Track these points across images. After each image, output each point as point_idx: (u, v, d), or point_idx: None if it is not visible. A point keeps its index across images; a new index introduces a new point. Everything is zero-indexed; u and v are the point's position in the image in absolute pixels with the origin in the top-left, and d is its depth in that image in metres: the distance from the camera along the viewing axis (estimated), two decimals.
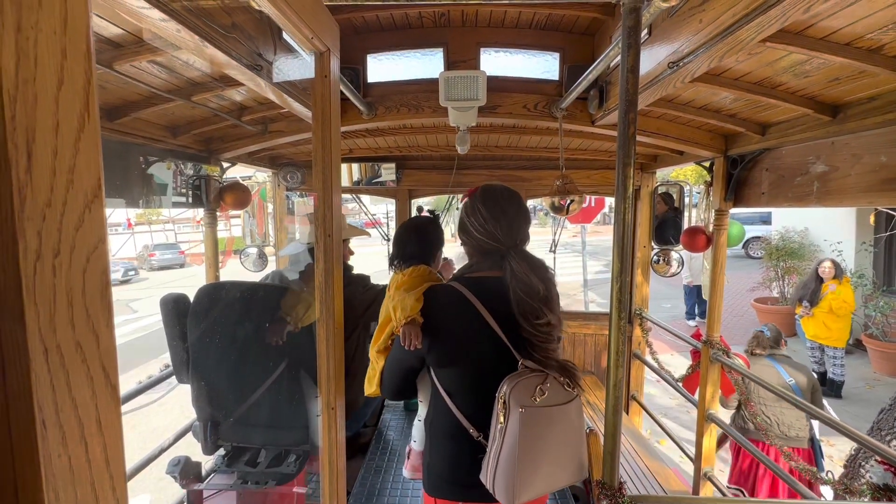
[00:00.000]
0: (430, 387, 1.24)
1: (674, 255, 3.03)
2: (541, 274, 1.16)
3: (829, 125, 1.57)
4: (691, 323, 8.21)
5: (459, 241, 1.30)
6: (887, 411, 2.63)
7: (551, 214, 2.59)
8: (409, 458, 1.51)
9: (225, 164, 2.41)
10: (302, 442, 1.82)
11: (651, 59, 1.43)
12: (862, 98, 1.44)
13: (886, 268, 6.50)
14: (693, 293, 8.12)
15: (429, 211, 3.39)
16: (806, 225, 7.83)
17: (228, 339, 1.66)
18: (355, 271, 2.10)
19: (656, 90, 1.51)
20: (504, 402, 1.06)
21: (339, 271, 0.96)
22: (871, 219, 6.09)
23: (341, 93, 1.88)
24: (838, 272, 5.54)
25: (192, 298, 1.70)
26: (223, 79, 1.56)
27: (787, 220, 8.28)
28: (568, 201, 2.14)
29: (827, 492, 2.49)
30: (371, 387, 1.37)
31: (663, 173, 3.54)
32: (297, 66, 1.63)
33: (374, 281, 2.14)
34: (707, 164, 2.36)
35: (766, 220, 12.95)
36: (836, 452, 4.48)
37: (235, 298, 1.68)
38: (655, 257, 3.10)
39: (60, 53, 0.32)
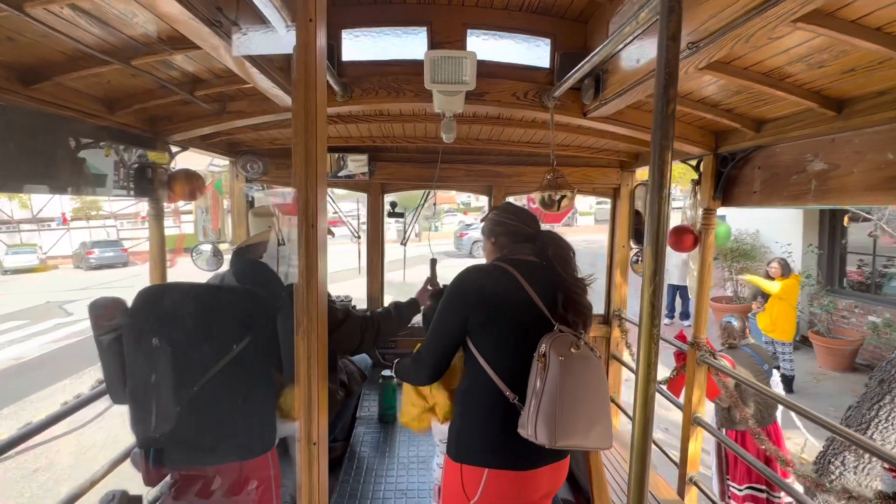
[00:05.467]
0: (468, 360, 1.36)
1: None
2: (568, 243, 1.46)
3: (832, 121, 1.52)
4: (666, 322, 8.33)
5: (491, 240, 1.52)
6: (855, 408, 2.71)
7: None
8: (439, 496, 1.61)
9: (174, 149, 2.11)
10: (265, 466, 1.58)
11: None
12: (871, 92, 1.39)
13: (830, 268, 6.93)
14: (670, 291, 8.35)
15: (391, 203, 3.19)
16: (757, 227, 8.25)
17: (175, 349, 1.40)
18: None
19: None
20: (544, 355, 1.20)
21: (324, 270, 0.76)
22: (846, 220, 6.33)
23: None
24: (786, 271, 5.78)
25: (129, 303, 1.42)
26: (171, 40, 1.31)
27: (738, 222, 8.68)
28: (559, 196, 2.02)
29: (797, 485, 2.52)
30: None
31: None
32: (266, 31, 1.40)
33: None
34: (693, 162, 2.31)
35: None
36: (792, 446, 4.68)
37: (182, 302, 1.41)
38: (635, 257, 3.05)
39: None
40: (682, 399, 2.42)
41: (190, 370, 1.36)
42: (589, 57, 1.47)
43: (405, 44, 2.02)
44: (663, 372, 2.81)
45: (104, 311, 1.40)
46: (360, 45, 2.01)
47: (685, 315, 8.58)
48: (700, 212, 2.23)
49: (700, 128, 2.10)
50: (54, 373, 7.37)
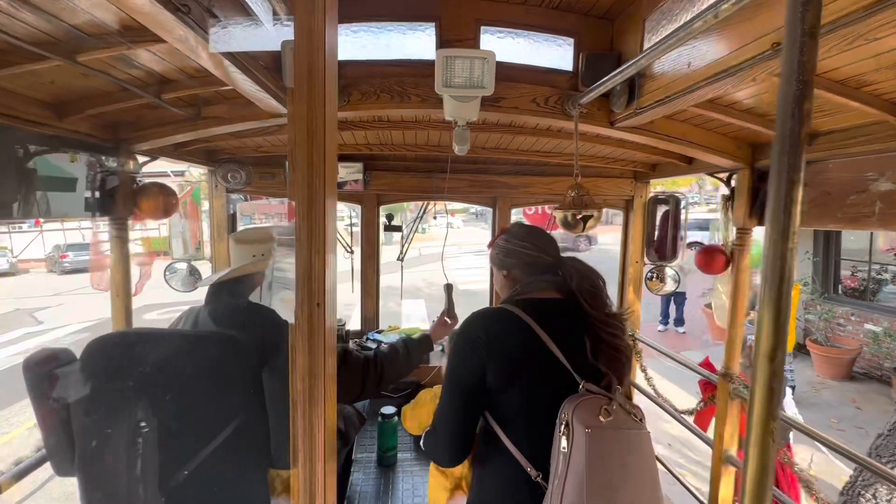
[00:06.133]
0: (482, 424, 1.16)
1: (668, 271, 2.80)
2: (597, 272, 1.22)
3: None
4: (660, 328, 8.40)
5: (503, 273, 1.30)
6: (886, 437, 2.55)
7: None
8: None
9: (141, 159, 1.82)
10: None
11: (741, 35, 1.10)
12: None
13: (825, 275, 6.89)
14: (665, 298, 8.32)
15: (387, 215, 2.96)
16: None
17: (140, 414, 1.13)
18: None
19: (731, 81, 1.18)
20: (567, 424, 0.98)
21: (333, 375, 0.52)
22: None
23: None
24: None
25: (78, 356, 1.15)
26: (128, 31, 1.04)
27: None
28: (582, 216, 1.79)
29: None
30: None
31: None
32: (248, 21, 1.14)
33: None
34: (723, 175, 2.11)
35: (704, 226, 13.56)
36: (798, 460, 4.56)
37: (147, 356, 1.14)
38: (649, 274, 2.86)
39: None
40: (710, 433, 2.22)
41: (166, 450, 1.09)
42: (636, 59, 1.24)
43: (410, 42, 1.77)
44: (683, 397, 2.62)
45: (45, 370, 1.12)
46: (360, 42, 1.76)
47: (679, 322, 8.53)
48: (732, 231, 2.03)
49: (735, 139, 1.90)
50: (23, 387, 6.90)
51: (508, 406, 1.09)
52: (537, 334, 1.08)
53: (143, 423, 1.08)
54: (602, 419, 0.97)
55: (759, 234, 2.08)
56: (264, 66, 1.44)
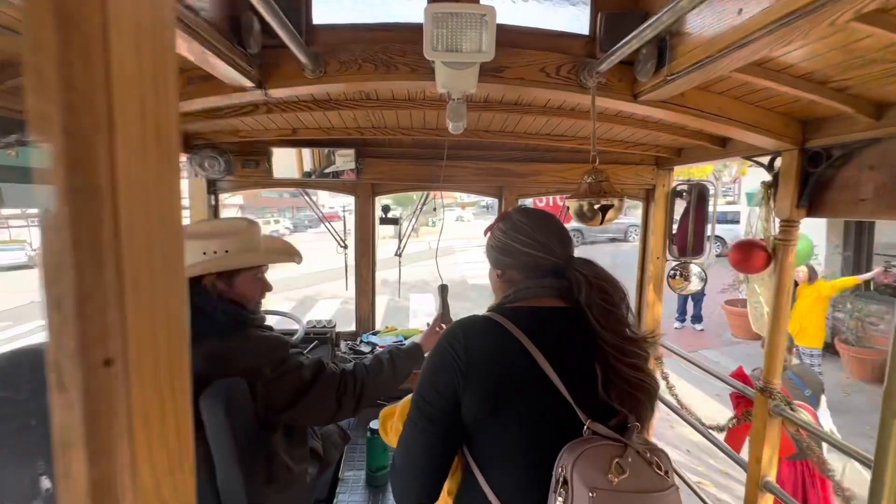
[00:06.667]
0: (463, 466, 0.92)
1: (694, 269, 2.52)
2: (616, 281, 0.95)
3: None
4: (676, 325, 8.09)
5: (498, 272, 1.04)
6: None
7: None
8: None
9: None
10: None
11: None
12: None
13: (856, 271, 6.48)
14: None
15: (383, 207, 2.72)
16: None
17: (39, 459, 0.92)
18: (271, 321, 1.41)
19: (800, 27, 0.90)
20: (565, 481, 0.74)
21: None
22: None
23: (272, 35, 1.17)
24: (812, 276, 5.43)
25: None
26: None
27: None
28: (600, 205, 1.53)
29: None
30: None
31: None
32: None
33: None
34: (765, 159, 1.83)
35: (722, 219, 13.07)
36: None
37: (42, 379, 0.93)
38: (672, 272, 2.58)
39: None
40: (743, 453, 1.96)
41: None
42: (672, 4, 0.97)
43: (397, 2, 1.52)
44: (700, 399, 2.35)
45: None
46: (338, 4, 1.51)
47: (697, 318, 8.19)
48: (775, 223, 1.75)
49: (783, 114, 1.62)
50: None
51: (491, 446, 0.84)
52: (532, 355, 0.83)
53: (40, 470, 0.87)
54: (614, 477, 0.72)
55: (805, 226, 1.79)
56: (217, 29, 1.20)
